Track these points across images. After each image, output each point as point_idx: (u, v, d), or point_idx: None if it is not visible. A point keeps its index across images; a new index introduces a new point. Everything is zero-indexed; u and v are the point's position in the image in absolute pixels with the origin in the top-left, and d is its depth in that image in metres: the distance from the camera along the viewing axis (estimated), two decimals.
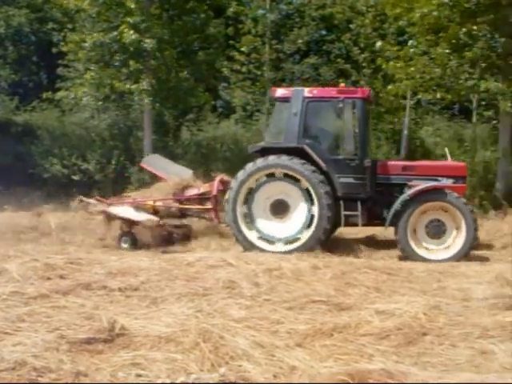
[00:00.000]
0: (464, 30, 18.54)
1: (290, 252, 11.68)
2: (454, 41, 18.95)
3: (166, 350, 5.73)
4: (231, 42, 25.21)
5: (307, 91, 12.83)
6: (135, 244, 13.28)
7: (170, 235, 13.83)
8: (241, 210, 12.39)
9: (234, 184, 12.48)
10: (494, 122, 21.38)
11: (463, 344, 6.18)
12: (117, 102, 23.89)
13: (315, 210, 12.09)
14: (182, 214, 14.22)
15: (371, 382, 5.15)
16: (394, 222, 11.95)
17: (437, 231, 11.99)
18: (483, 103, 21.70)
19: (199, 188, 14.08)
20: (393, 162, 13.16)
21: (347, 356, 5.76)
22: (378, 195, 12.57)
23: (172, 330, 6.25)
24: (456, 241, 11.83)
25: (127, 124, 24.34)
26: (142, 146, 22.58)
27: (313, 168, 12.12)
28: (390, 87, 19.95)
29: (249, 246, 12.24)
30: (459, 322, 6.78)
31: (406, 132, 13.64)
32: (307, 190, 12.18)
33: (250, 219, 12.47)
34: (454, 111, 24.41)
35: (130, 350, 5.78)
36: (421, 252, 11.80)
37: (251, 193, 12.50)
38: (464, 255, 11.66)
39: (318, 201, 12.02)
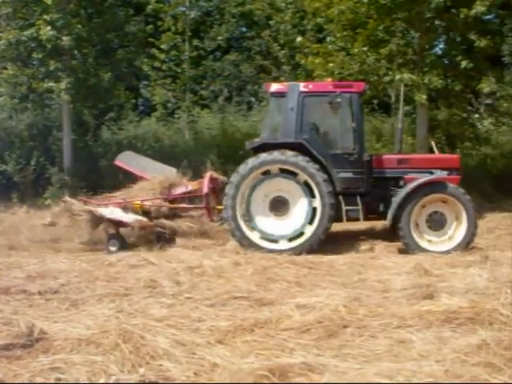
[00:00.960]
0: (381, 26, 18.85)
1: (295, 249, 11.57)
2: (371, 37, 19.23)
3: (86, 353, 5.64)
4: (151, 39, 25.00)
5: (303, 86, 12.58)
6: (124, 247, 12.44)
7: (159, 235, 12.99)
8: (240, 207, 12.02)
9: (234, 179, 12.06)
10: (413, 115, 21.82)
11: (382, 334, 6.27)
12: (35, 102, 23.28)
13: (317, 203, 11.81)
14: (172, 213, 13.55)
15: (291, 376, 5.17)
16: (396, 216, 11.83)
17: (438, 223, 11.95)
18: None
19: (187, 186, 13.64)
20: (388, 156, 13.11)
21: (268, 351, 5.76)
22: (374, 189, 12.44)
23: (92, 331, 6.15)
24: (457, 232, 11.83)
25: (46, 124, 23.75)
26: (61, 146, 22.09)
27: (316, 166, 11.89)
28: None
29: (247, 244, 11.84)
30: (379, 313, 6.86)
31: (400, 126, 13.50)
32: (306, 185, 11.90)
33: (249, 218, 12.10)
34: (373, 106, 24.77)
35: (50, 354, 5.67)
36: (424, 244, 11.74)
37: (250, 191, 12.12)
38: (466, 245, 11.69)
39: (320, 194, 11.75)
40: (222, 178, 13.99)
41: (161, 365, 5.38)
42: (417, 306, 7.09)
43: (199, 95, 26.66)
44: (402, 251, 11.65)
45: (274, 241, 11.94)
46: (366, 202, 12.20)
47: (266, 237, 11.96)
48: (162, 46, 24.80)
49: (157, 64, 25.12)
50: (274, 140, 12.33)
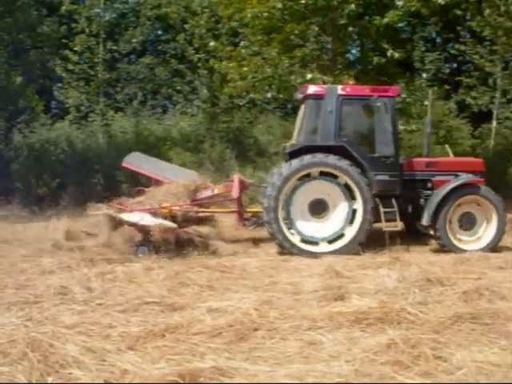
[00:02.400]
0: (295, 31, 19.01)
1: (335, 252, 11.60)
2: (285, 41, 19.38)
3: None
4: (65, 40, 24.52)
5: (340, 89, 12.56)
6: (153, 252, 11.56)
7: (190, 241, 12.42)
8: (281, 210, 11.95)
9: (277, 181, 11.93)
10: None
11: (293, 336, 6.30)
12: None
13: (358, 206, 11.93)
14: (199, 218, 13.07)
15: (202, 380, 5.14)
16: (434, 217, 12.07)
17: (469, 223, 12.36)
18: None
19: (213, 190, 13.23)
20: (418, 159, 13.26)
21: (179, 356, 5.72)
22: (403, 191, 12.60)
23: None
24: (486, 232, 12.29)
25: None
26: None
27: (358, 169, 12.01)
28: (225, 89, 20.16)
29: (290, 248, 11.79)
30: (290, 315, 6.88)
31: (428, 130, 13.49)
32: (346, 187, 12.01)
33: (289, 221, 12.05)
34: (287, 110, 25.03)
35: None
36: (457, 243, 12.15)
37: (291, 193, 12.07)
38: (495, 245, 12.17)
39: (362, 198, 11.87)
40: (249, 181, 14.06)
41: (70, 373, 5.25)
42: (327, 307, 7.18)
43: (113, 98, 26.36)
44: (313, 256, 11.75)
45: (315, 243, 11.98)
46: (398, 204, 12.41)
47: (306, 239, 11.99)
48: (76, 48, 24.34)
49: (70, 66, 24.64)
50: (315, 143, 12.27)
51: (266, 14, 18.49)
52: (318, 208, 12.14)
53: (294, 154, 12.16)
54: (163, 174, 13.63)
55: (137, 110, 25.39)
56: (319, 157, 11.92)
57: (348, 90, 12.58)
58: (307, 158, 11.91)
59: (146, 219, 11.62)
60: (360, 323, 6.58)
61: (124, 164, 14.52)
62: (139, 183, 16.56)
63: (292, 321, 6.67)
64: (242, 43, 20.35)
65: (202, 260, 10.62)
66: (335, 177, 12.03)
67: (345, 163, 11.89)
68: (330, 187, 12.10)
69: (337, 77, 18.10)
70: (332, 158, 11.90)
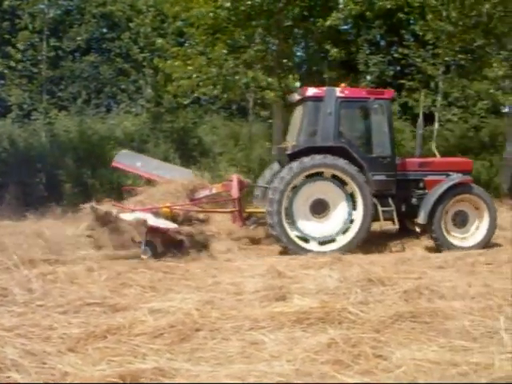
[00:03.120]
0: (240, 32, 19.05)
1: (342, 248, 11.87)
2: (230, 42, 19.41)
3: None
4: (7, 37, 24.02)
5: (339, 91, 12.75)
6: (155, 253, 11.43)
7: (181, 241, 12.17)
8: (284, 212, 12.07)
9: (278, 185, 12.05)
10: (270, 120, 22.20)
11: (235, 337, 6.32)
12: None
13: (359, 205, 12.23)
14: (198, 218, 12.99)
15: (143, 381, 5.12)
16: (430, 216, 12.43)
17: (462, 221, 12.85)
18: (259, 102, 22.51)
19: (210, 189, 13.29)
20: (411, 160, 13.59)
21: (120, 357, 5.68)
22: (398, 191, 12.95)
23: None
24: (478, 230, 12.81)
25: None
26: None
27: (358, 169, 12.25)
28: (169, 87, 20.07)
29: (293, 248, 11.92)
30: (231, 315, 6.89)
31: (420, 131, 13.84)
32: (347, 188, 12.32)
33: (290, 218, 12.22)
34: (231, 110, 25.05)
35: None
36: (451, 240, 12.62)
37: (293, 195, 12.25)
38: (487, 242, 12.69)
39: (363, 196, 12.17)
40: (246, 180, 14.08)
41: (8, 376, 5.16)
42: (269, 307, 7.21)
43: (57, 97, 25.93)
44: (258, 254, 11.80)
45: (306, 240, 12.20)
46: (394, 204, 12.83)
47: (301, 235, 12.19)
48: (19, 45, 23.85)
49: (13, 63, 24.15)
50: (316, 144, 12.44)
51: (211, 14, 18.49)
52: (320, 208, 12.40)
53: (295, 154, 12.34)
54: (157, 172, 13.62)
55: (81, 108, 24.99)
56: (319, 158, 12.15)
57: (346, 92, 12.86)
58: (306, 160, 12.09)
59: (152, 220, 11.42)
60: (301, 323, 6.62)
61: (114, 164, 14.32)
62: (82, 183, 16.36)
63: (234, 321, 6.69)
64: (187, 42, 20.30)
65: (146, 261, 10.56)
66: (337, 177, 12.33)
67: (345, 163, 12.19)
68: (331, 188, 12.38)
69: (282, 79, 18.20)
70: (331, 159, 12.20)
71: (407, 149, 24.05)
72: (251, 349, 5.98)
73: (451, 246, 12.39)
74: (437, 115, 24.10)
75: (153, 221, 11.34)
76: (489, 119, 25.72)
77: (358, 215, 12.23)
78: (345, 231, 12.31)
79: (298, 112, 13.48)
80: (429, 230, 12.75)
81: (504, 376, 5.23)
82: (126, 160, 14.22)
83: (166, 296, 7.94)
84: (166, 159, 20.02)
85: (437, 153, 14.63)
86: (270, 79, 17.92)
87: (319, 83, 18.06)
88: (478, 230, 12.84)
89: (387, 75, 25.02)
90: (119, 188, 19.84)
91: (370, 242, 12.79)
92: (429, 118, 24.94)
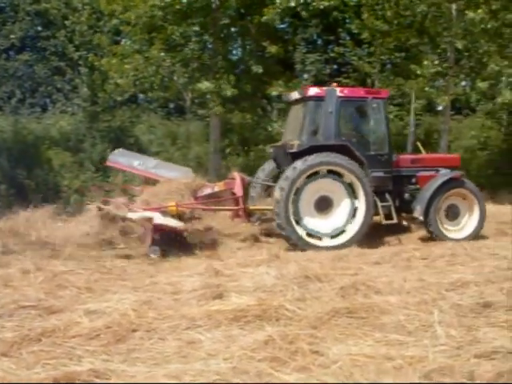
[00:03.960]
0: (177, 30, 18.96)
1: (337, 247, 12.11)
2: (167, 41, 19.32)
3: None
4: None
5: (339, 91, 13.06)
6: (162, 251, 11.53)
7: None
8: (291, 209, 12.24)
9: (284, 184, 12.22)
10: (207, 119, 22.18)
11: (172, 336, 6.28)
12: None
13: (361, 201, 12.53)
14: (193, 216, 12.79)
15: (78, 383, 5.04)
16: (426, 210, 12.98)
17: (454, 214, 13.47)
18: (196, 101, 22.47)
19: (213, 187, 13.51)
20: (404, 156, 14.10)
21: (55, 360, 5.59)
22: (393, 186, 13.49)
23: None
24: (469, 222, 13.46)
25: None
26: None
27: (359, 166, 12.60)
28: (106, 86, 19.88)
29: (302, 245, 12.11)
30: (168, 315, 6.86)
31: (412, 129, 14.59)
32: (349, 184, 12.59)
33: (297, 217, 12.36)
34: (169, 110, 24.93)
35: None
36: (445, 232, 13.23)
37: (298, 192, 12.36)
38: (477, 234, 13.37)
39: (365, 193, 12.48)
40: (248, 178, 14.22)
41: None
42: (206, 306, 7.20)
43: None
44: (194, 253, 11.72)
45: (318, 238, 12.45)
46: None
47: (311, 233, 12.42)
48: None
49: None
50: (319, 143, 12.72)
51: (148, 14, 18.38)
52: (324, 204, 12.67)
53: (300, 153, 12.56)
54: (156, 171, 13.69)
55: (15, 108, 24.56)
56: (322, 156, 12.43)
57: (346, 92, 13.24)
58: (311, 159, 12.33)
59: (160, 218, 11.53)
60: (238, 321, 6.63)
61: (109, 163, 14.42)
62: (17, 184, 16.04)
63: (171, 321, 6.66)
64: (124, 41, 20.12)
65: (83, 262, 10.42)
66: (339, 175, 12.60)
67: (347, 161, 12.52)
68: (334, 185, 12.66)
69: (218, 81, 18.23)
70: (334, 157, 12.48)
71: None
72: (188, 348, 5.96)
73: (446, 238, 12.98)
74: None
75: (161, 219, 11.51)
76: (424, 117, 26.15)
77: (361, 211, 12.57)
78: (348, 226, 12.62)
79: (296, 111, 13.84)
80: (425, 224, 13.28)
81: (437, 368, 5.30)
82: (121, 159, 14.22)
83: (102, 297, 7.85)
84: (102, 159, 19.83)
85: (422, 150, 14.95)
86: (210, 85, 17.93)
87: (256, 82, 18.21)
88: (469, 222, 13.48)
89: (324, 74, 25.20)
90: (56, 188, 19.61)
91: None
92: None
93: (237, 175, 13.67)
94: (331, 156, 12.45)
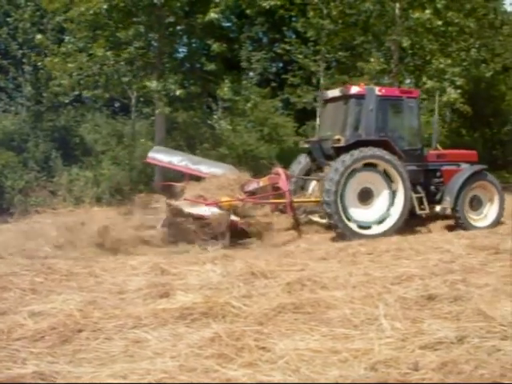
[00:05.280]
0: (121, 28, 18.81)
1: (384, 233, 13.19)
2: (111, 39, 19.15)
3: None
4: None
5: (378, 90, 14.17)
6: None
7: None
8: (339, 199, 13.02)
9: (334, 176, 12.99)
10: (153, 117, 22.08)
11: (118, 336, 6.22)
12: None
13: (400, 191, 13.59)
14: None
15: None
16: (455, 201, 14.25)
17: (477, 204, 14.81)
18: (141, 100, 22.35)
19: (258, 182, 14.16)
20: (431, 152, 15.05)
21: None
22: (424, 179, 14.65)
23: None
24: (490, 211, 14.87)
25: None
26: None
27: (400, 160, 13.65)
28: (50, 86, 19.62)
29: (349, 234, 12.95)
30: (114, 314, 6.79)
31: (436, 126, 15.43)
32: (389, 177, 13.64)
33: (344, 207, 13.17)
34: (114, 108, 24.71)
35: None
36: (471, 222, 14.50)
37: (345, 183, 13.18)
38: (498, 222, 14.72)
39: (404, 184, 13.52)
40: (289, 173, 14.77)
41: None
42: (152, 305, 7.16)
43: None
44: (140, 252, 11.63)
45: (367, 228, 13.49)
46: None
47: (359, 224, 13.38)
48: None
49: None
50: (362, 138, 13.62)
51: (91, 12, 18.18)
52: (366, 196, 13.63)
53: (346, 148, 13.39)
54: (200, 168, 14.33)
55: None
56: (367, 150, 13.29)
57: (383, 91, 14.33)
58: (357, 153, 13.19)
59: (206, 211, 12.29)
60: (185, 319, 6.62)
61: (148, 160, 14.86)
62: None
63: (117, 320, 6.59)
64: (67, 39, 19.86)
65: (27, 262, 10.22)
66: (378, 167, 13.61)
67: (388, 155, 13.50)
68: (374, 177, 13.66)
69: (165, 80, 18.16)
70: (376, 151, 13.40)
71: (289, 144, 24.51)
72: (134, 347, 5.91)
73: (471, 227, 14.25)
74: (318, 110, 24.58)
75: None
76: None
77: (399, 201, 13.60)
78: (388, 216, 13.65)
79: (336, 108, 14.82)
80: (454, 213, 14.42)
81: (382, 359, 5.38)
82: (160, 156, 14.77)
83: (47, 298, 7.70)
84: (46, 159, 19.60)
85: (439, 147, 15.76)
86: (156, 85, 17.85)
87: (202, 80, 18.19)
88: (490, 212, 14.86)
89: (270, 72, 25.31)
90: None
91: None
92: (311, 114, 25.53)
93: (281, 171, 14.37)
94: (374, 150, 13.34)
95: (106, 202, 19.67)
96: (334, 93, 14.78)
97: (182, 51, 22.31)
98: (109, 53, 18.54)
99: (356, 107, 14.01)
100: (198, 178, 14.18)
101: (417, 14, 20.59)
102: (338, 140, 13.56)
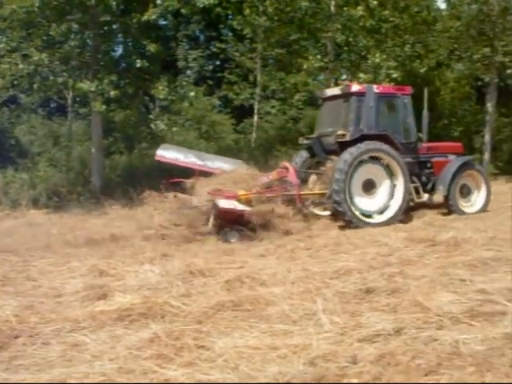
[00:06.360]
0: (56, 27, 18.53)
1: (386, 222, 14.08)
2: (45, 37, 18.85)
3: None
4: None
5: (375, 87, 15.18)
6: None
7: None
8: (347, 189, 13.86)
9: (343, 166, 13.87)
10: (90, 118, 21.85)
11: (55, 340, 6.13)
12: None
13: (400, 182, 14.52)
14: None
15: None
16: (448, 189, 15.35)
17: (467, 192, 15.95)
18: (78, 100, 22.08)
19: (268, 176, 14.66)
20: (423, 145, 15.92)
21: None
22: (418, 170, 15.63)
23: None
24: (478, 198, 16.03)
25: None
26: None
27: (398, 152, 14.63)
28: None
29: (356, 222, 13.88)
30: (52, 318, 6.70)
31: (426, 120, 15.80)
32: (389, 169, 14.56)
33: (351, 197, 14.01)
34: (50, 109, 24.35)
35: None
36: (462, 208, 15.59)
37: (351, 176, 14.02)
38: (485, 208, 15.89)
39: (403, 175, 14.50)
40: (295, 166, 15.32)
41: None
42: (90, 307, 7.07)
43: None
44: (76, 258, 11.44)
45: (370, 216, 14.35)
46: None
47: (363, 213, 14.20)
48: None
49: None
50: (363, 132, 14.45)
51: (23, 10, 17.86)
52: (369, 186, 14.52)
53: (351, 142, 14.27)
54: (209, 164, 14.80)
55: None
56: (371, 144, 14.27)
57: (381, 88, 15.38)
58: (363, 145, 14.16)
59: (236, 205, 12.86)
60: (123, 320, 6.56)
61: (157, 158, 14.94)
62: None
63: (54, 324, 6.50)
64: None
65: None
66: (381, 159, 14.53)
67: (390, 148, 14.49)
68: (377, 169, 14.56)
69: (100, 81, 17.97)
70: (378, 144, 14.38)
71: (228, 141, 24.52)
72: (72, 351, 5.83)
73: (462, 213, 15.32)
74: (256, 108, 24.70)
75: (240, 207, 12.89)
76: (306, 110, 26.65)
77: (399, 190, 14.52)
78: (390, 204, 14.55)
79: (335, 106, 15.62)
80: (447, 200, 15.52)
81: (321, 354, 5.44)
82: (168, 153, 15.03)
83: None
84: None
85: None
86: (91, 85, 17.64)
87: (138, 80, 18.04)
88: (478, 199, 15.99)
89: (207, 70, 25.30)
90: None
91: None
92: (248, 111, 25.61)
93: (288, 165, 15.04)
94: (377, 144, 14.34)
95: (43, 205, 19.37)
96: (334, 91, 15.88)
97: (117, 50, 22.13)
98: (43, 54, 18.16)
99: (357, 104, 14.79)
100: (205, 174, 14.53)
101: (350, 12, 20.89)
102: (343, 135, 14.48)
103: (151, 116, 22.09)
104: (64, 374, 5.20)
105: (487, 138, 26.45)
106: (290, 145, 23.21)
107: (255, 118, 25.30)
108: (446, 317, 6.32)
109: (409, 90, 15.68)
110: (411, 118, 15.44)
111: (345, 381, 4.97)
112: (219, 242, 12.42)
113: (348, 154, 13.99)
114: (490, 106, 26.42)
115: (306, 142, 16.24)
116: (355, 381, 4.98)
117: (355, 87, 15.01)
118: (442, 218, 14.79)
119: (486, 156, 26.68)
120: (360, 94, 14.81)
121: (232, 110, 26.83)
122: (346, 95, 15.09)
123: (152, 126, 21.38)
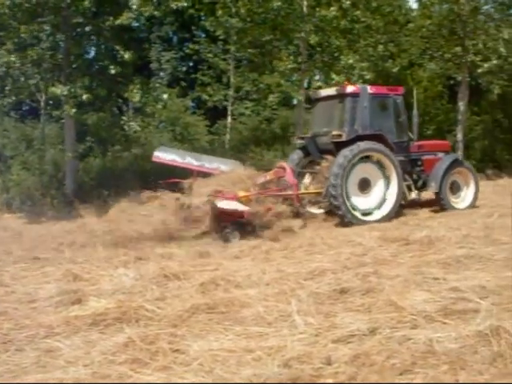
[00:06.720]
0: (27, 29, 18.40)
1: (384, 218, 14.47)
2: (16, 40, 18.72)
3: None
4: None
5: (369, 88, 15.37)
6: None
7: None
8: (344, 190, 14.04)
9: (338, 169, 13.99)
10: (62, 120, 21.71)
11: (29, 346, 6.09)
12: None
13: (394, 180, 14.78)
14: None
15: None
16: (440, 186, 15.63)
17: (456, 188, 16.29)
18: (51, 103, 21.94)
19: (265, 176, 14.75)
20: (414, 143, 16.14)
21: None
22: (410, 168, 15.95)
23: None
24: (467, 195, 16.38)
25: None
26: None
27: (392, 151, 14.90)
28: None
29: (350, 218, 14.09)
30: (25, 324, 6.64)
31: (416, 119, 15.81)
32: (383, 167, 14.81)
33: (348, 197, 14.19)
34: (23, 112, 24.17)
35: None
36: (452, 204, 15.94)
37: (348, 175, 14.20)
38: (474, 204, 16.24)
39: (397, 173, 14.77)
40: (292, 166, 15.51)
41: None
42: (64, 312, 7.05)
43: None
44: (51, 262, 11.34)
45: (369, 214, 14.68)
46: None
47: (362, 211, 14.51)
48: None
49: None
50: (358, 133, 14.66)
51: None
52: (364, 185, 14.75)
53: (347, 142, 14.48)
54: (206, 164, 14.90)
55: None
56: (366, 144, 14.47)
57: (374, 89, 15.50)
58: (360, 145, 14.38)
59: (237, 205, 12.97)
60: (98, 325, 6.55)
61: (155, 159, 15.12)
62: None
63: (28, 330, 6.46)
64: None
65: None
66: (373, 158, 14.78)
67: (383, 147, 14.75)
68: (371, 167, 14.80)
69: (72, 83, 17.88)
70: (372, 143, 14.58)
71: (202, 143, 24.49)
72: (47, 357, 5.80)
73: (452, 208, 15.73)
74: (229, 109, 24.71)
75: (239, 207, 12.97)
76: (280, 111, 26.71)
77: (394, 188, 14.80)
78: (384, 202, 14.83)
79: (329, 106, 15.93)
80: (438, 196, 15.85)
81: (296, 355, 5.46)
82: (165, 155, 15.24)
83: None
84: None
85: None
86: (63, 89, 17.55)
87: (110, 82, 17.96)
88: (467, 195, 16.35)
89: (180, 71, 25.27)
90: None
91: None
92: (222, 112, 25.61)
93: (285, 165, 15.20)
94: (372, 143, 14.57)
95: (17, 209, 19.25)
96: (328, 92, 16.10)
97: (90, 52, 22.00)
98: (13, 56, 17.99)
99: (351, 104, 14.99)
100: (203, 175, 14.58)
101: (323, 12, 20.97)
102: (339, 135, 14.73)
103: (124, 118, 22.00)
104: (38, 381, 5.20)
105: (459, 136, 26.58)
106: (264, 145, 23.29)
107: (229, 119, 25.33)
108: (420, 316, 6.38)
109: (401, 90, 15.99)
110: (403, 117, 15.69)
111: (320, 381, 4.99)
112: (193, 244, 12.36)
113: (348, 151, 14.21)
114: (461, 104, 26.58)
115: (299, 141, 16.55)
116: (330, 381, 5.01)
117: (350, 88, 15.30)
118: (417, 217, 15.01)
119: (459, 154, 26.89)
120: (354, 95, 15.06)
121: (206, 111, 26.82)
122: (341, 96, 15.33)
123: (125, 127, 21.29)
